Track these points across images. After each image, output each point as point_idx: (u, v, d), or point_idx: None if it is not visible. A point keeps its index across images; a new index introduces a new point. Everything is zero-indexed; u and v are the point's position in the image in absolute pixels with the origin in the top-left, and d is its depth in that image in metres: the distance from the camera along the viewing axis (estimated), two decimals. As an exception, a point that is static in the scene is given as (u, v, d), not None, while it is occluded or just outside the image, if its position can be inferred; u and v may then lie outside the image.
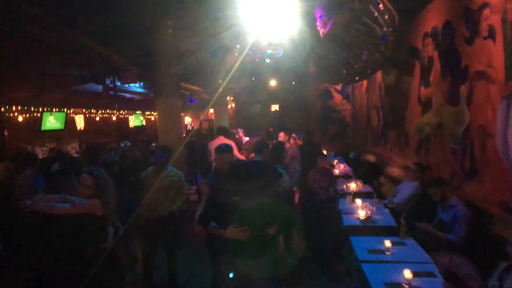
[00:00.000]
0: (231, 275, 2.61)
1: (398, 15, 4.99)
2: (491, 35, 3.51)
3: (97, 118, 12.20)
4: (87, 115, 11.67)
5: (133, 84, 11.28)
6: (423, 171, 5.11)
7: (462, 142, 4.19)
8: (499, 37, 3.38)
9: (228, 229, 2.54)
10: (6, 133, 9.22)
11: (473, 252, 3.60)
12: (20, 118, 9.14)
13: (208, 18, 7.41)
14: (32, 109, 8.91)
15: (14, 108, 8.54)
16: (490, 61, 3.55)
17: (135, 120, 15.13)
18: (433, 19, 5.03)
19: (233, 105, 16.65)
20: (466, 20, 4.02)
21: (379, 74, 7.79)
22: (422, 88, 5.45)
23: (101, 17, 6.40)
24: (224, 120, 11.95)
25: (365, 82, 9.65)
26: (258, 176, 2.86)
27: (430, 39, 5.14)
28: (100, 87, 9.71)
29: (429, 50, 5.16)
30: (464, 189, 4.12)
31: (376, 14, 4.70)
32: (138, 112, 14.90)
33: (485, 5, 3.61)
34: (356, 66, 5.44)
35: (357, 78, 6.06)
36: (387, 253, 3.32)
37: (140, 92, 12.35)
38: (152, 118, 15.94)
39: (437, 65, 4.92)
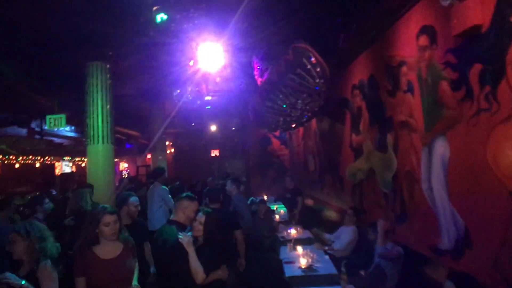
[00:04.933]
0: None
1: (329, 68, 5.36)
2: (410, 89, 3.87)
3: (17, 165, 11.01)
4: (5, 162, 10.50)
5: (63, 128, 10.52)
6: (358, 215, 5.26)
7: (392, 187, 4.42)
8: (417, 91, 3.73)
9: (222, 270, 3.05)
10: None
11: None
12: None
13: (147, 64, 7.32)
14: None
15: None
16: (411, 112, 3.88)
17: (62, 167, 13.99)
18: (359, 72, 5.48)
19: (172, 150, 16.25)
20: (388, 75, 4.41)
21: (314, 122, 8.17)
22: (353, 135, 5.78)
23: (27, 55, 5.99)
24: (162, 166, 11.50)
25: (301, 129, 10.06)
26: None
27: (358, 91, 5.55)
28: (24, 131, 8.89)
29: (358, 100, 5.56)
30: (397, 232, 4.28)
31: (309, 66, 5.00)
32: (66, 158, 13.81)
33: (402, 63, 4.01)
34: (292, 114, 5.65)
35: (293, 125, 6.27)
36: (330, 304, 3.24)
37: (70, 137, 11.53)
38: (83, 165, 14.87)
39: (365, 114, 5.28)
